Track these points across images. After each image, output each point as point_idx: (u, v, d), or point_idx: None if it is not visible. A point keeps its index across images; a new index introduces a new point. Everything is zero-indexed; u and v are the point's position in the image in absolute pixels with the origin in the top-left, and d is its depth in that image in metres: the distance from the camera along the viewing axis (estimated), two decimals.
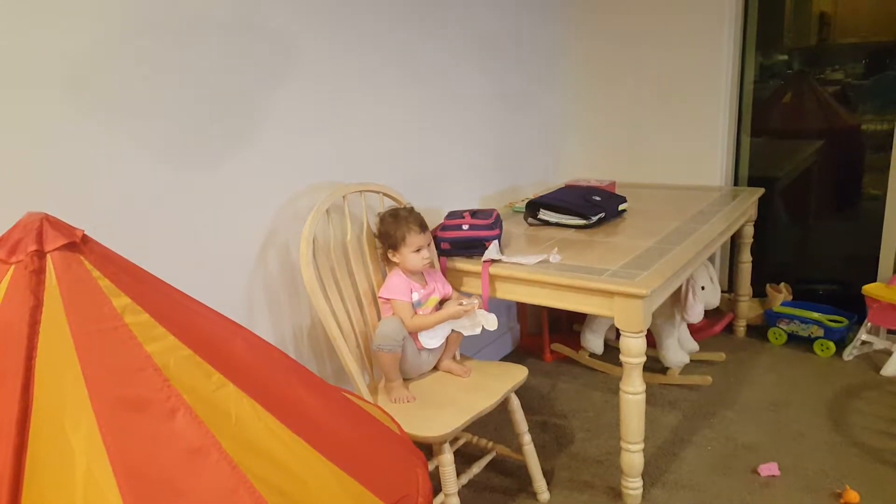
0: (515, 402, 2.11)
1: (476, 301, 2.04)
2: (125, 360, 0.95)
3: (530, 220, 2.71)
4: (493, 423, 2.59)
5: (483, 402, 1.93)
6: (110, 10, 1.56)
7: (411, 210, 2.11)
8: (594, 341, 3.03)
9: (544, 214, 2.66)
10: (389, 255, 2.08)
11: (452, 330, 2.09)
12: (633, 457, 2.10)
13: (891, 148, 2.99)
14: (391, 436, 1.31)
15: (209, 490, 0.92)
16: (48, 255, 0.96)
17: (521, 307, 3.41)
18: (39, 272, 0.94)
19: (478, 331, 2.03)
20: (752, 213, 3.15)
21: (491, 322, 2.02)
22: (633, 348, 1.98)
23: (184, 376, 0.98)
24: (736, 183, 3.46)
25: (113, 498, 0.87)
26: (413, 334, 2.04)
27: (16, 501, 0.84)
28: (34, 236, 0.96)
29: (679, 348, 2.89)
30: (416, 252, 2.04)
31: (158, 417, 0.93)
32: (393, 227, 2.05)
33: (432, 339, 2.07)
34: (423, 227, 2.07)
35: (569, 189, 2.91)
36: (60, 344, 0.92)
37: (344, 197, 2.08)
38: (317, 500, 1.00)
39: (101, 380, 0.92)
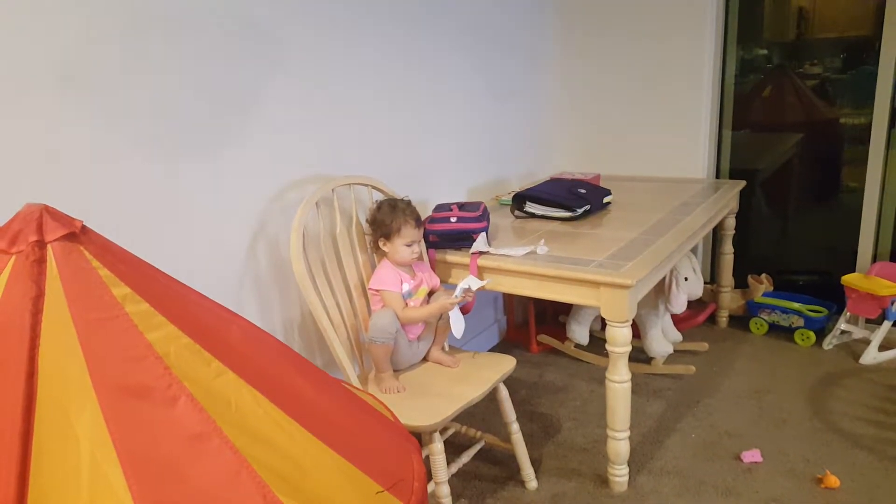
0: (503, 392, 2.14)
1: (468, 285, 2.05)
2: (127, 349, 0.96)
3: (517, 212, 2.73)
4: (482, 413, 2.62)
5: (472, 392, 1.95)
6: (101, 6, 1.57)
7: (409, 203, 2.12)
8: (580, 332, 3.08)
9: (530, 207, 2.69)
10: (380, 244, 2.09)
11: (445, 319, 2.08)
12: (619, 444, 2.14)
13: (868, 141, 3.05)
14: (386, 422, 1.33)
15: (212, 474, 0.93)
16: (49, 246, 0.96)
17: (508, 299, 3.44)
18: (41, 262, 0.94)
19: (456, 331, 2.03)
20: (734, 205, 3.20)
21: (458, 326, 2.03)
22: (619, 338, 2.02)
23: (184, 364, 0.99)
24: (718, 175, 3.51)
25: (118, 483, 0.88)
26: (406, 326, 2.06)
27: (23, 488, 0.86)
28: (34, 227, 0.96)
29: (663, 338, 2.94)
30: (408, 246, 2.06)
31: (160, 404, 0.95)
32: (389, 217, 2.05)
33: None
34: (419, 222, 2.09)
35: (554, 182, 2.94)
36: (63, 333, 0.93)
37: (333, 190, 2.09)
38: (316, 484, 1.02)
39: (104, 368, 0.93)
